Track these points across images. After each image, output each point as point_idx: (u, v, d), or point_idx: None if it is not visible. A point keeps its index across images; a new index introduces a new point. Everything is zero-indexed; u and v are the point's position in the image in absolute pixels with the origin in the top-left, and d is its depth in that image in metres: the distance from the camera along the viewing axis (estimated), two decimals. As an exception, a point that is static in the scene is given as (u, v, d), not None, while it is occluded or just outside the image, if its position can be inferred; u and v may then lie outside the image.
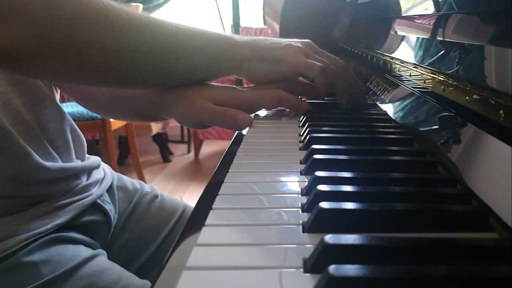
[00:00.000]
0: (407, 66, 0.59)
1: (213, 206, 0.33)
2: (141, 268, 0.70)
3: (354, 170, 0.38)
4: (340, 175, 0.36)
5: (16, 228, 0.55)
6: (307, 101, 0.65)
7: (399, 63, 0.62)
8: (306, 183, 0.36)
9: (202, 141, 3.26)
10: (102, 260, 0.59)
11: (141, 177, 2.45)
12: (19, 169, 0.56)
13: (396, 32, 0.70)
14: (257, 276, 0.24)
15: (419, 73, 0.53)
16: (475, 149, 0.35)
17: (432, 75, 0.49)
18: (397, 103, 0.60)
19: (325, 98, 0.65)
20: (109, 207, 0.67)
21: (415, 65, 0.55)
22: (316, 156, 0.40)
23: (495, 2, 0.41)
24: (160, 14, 2.88)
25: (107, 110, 0.74)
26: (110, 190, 0.71)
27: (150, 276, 0.66)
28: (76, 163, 0.65)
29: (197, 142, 3.21)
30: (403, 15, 0.68)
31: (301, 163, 0.43)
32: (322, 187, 0.32)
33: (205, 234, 0.29)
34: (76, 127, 0.68)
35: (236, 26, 2.15)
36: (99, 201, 0.66)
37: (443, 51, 0.48)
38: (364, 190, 0.33)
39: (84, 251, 0.58)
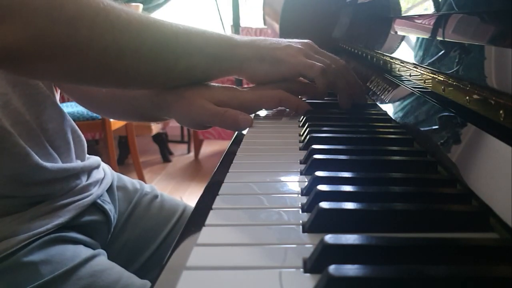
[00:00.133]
0: (407, 66, 0.59)
1: (213, 206, 0.33)
2: (141, 268, 0.70)
3: (354, 170, 0.38)
4: (340, 175, 0.36)
5: (16, 228, 0.55)
6: (307, 101, 0.65)
7: (399, 63, 0.62)
8: (306, 183, 0.36)
9: (202, 141, 3.26)
10: (102, 260, 0.59)
11: (141, 177, 2.45)
12: (19, 170, 0.56)
13: (396, 32, 0.70)
14: (257, 276, 0.24)
15: (419, 73, 0.53)
16: (475, 149, 0.35)
17: (432, 75, 0.49)
18: (397, 103, 0.60)
19: (325, 98, 0.65)
20: (109, 207, 0.68)
21: (415, 65, 0.55)
22: (316, 156, 0.40)
23: (495, 2, 0.41)
24: (160, 14, 2.88)
25: (107, 110, 0.74)
26: (110, 190, 0.71)
27: (150, 276, 0.66)
28: (76, 163, 0.65)
29: (197, 142, 3.21)
30: (403, 15, 0.68)
31: (301, 163, 0.43)
32: (322, 187, 0.32)
33: (205, 234, 0.29)
34: (76, 127, 0.68)
35: (236, 26, 2.15)
36: (99, 201, 0.66)
37: (443, 51, 0.48)
38: (364, 190, 0.33)
39: (84, 251, 0.58)
